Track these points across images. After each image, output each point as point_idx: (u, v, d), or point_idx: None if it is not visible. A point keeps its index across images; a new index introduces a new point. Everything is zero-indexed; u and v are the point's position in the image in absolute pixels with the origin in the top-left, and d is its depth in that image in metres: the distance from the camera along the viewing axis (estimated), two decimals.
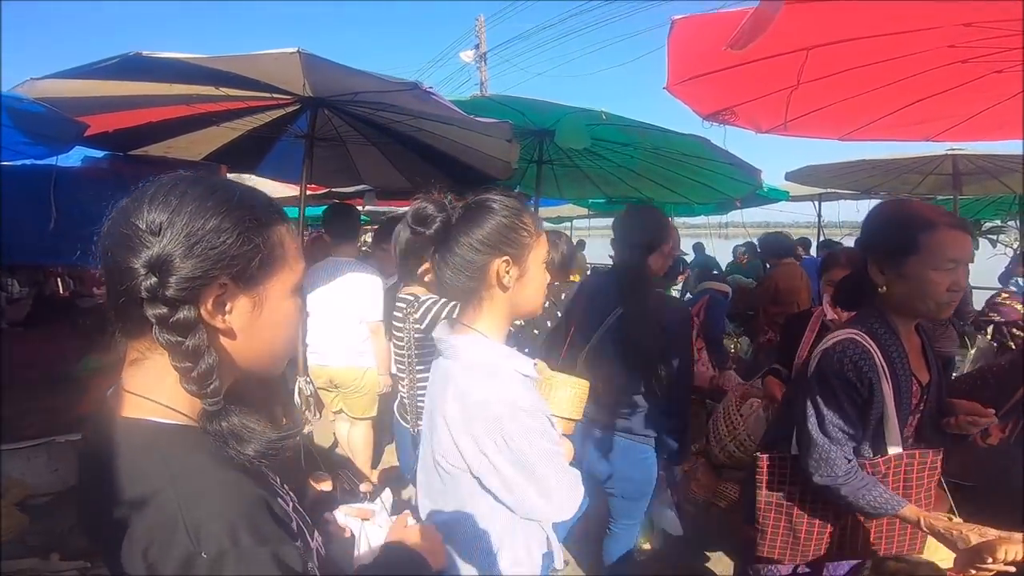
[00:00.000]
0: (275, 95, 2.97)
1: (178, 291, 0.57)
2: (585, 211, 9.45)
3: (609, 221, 11.82)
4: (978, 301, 6.57)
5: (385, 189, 4.91)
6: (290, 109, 3.33)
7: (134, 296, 0.57)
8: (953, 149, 4.80)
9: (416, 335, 2.16)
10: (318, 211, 9.02)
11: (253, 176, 6.22)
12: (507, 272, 1.03)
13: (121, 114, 3.00)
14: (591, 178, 5.13)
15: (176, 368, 0.58)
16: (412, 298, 2.20)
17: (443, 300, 2.10)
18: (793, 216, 8.65)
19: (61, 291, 6.02)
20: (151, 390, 0.61)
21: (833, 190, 6.75)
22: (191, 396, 0.61)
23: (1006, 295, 4.46)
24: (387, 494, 1.03)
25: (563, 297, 2.64)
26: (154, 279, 0.56)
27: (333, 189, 5.21)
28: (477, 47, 16.20)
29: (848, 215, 8.54)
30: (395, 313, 2.29)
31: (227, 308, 0.62)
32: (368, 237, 7.12)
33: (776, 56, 1.97)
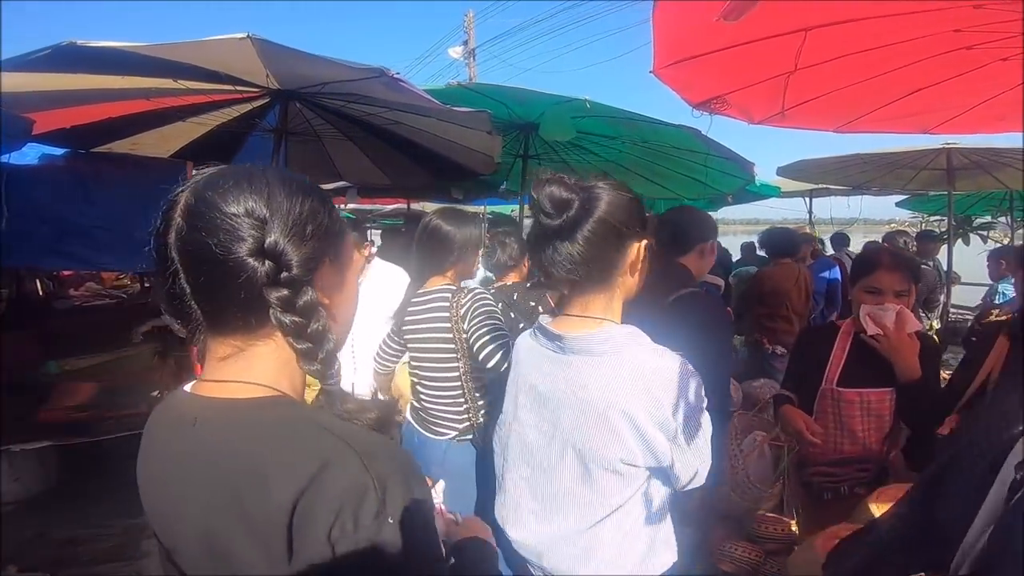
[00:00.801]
0: (240, 88, 2.81)
1: (301, 272, 0.57)
2: None
3: None
4: (966, 296, 6.55)
5: (365, 185, 4.76)
6: (259, 103, 3.17)
7: (246, 284, 0.55)
8: (948, 143, 4.70)
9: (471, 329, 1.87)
10: None
11: None
12: (644, 254, 1.02)
13: (76, 109, 2.84)
14: (578, 173, 4.96)
15: (300, 351, 0.58)
16: (445, 292, 1.89)
17: (477, 291, 1.92)
18: (783, 212, 8.58)
19: (40, 292, 5.83)
20: (253, 378, 0.59)
21: (824, 186, 6.66)
22: (292, 380, 0.61)
23: (996, 313, 4.37)
24: (441, 484, 1.04)
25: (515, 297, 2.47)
26: (271, 264, 0.55)
27: None
28: (466, 43, 16.00)
29: (839, 211, 8.46)
30: (430, 313, 1.95)
31: (326, 286, 0.62)
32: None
33: (773, 37, 1.85)
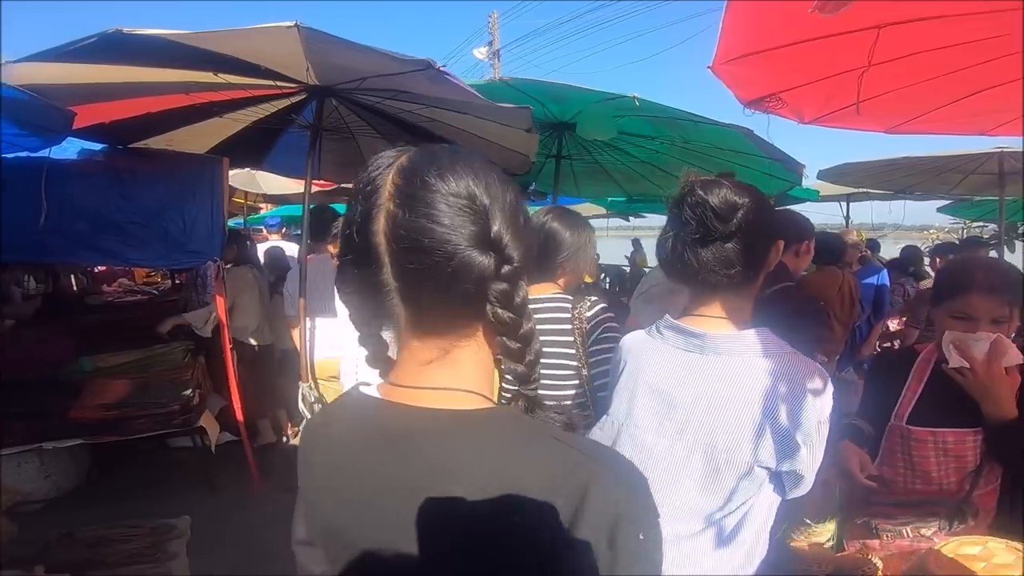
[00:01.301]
0: (278, 83, 2.78)
1: (520, 266, 0.53)
2: (603, 210, 9.14)
3: (628, 222, 11.47)
4: None
5: None
6: (295, 99, 3.14)
7: (468, 277, 0.50)
8: (1000, 147, 4.50)
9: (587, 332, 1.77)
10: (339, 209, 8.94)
11: (259, 172, 6.10)
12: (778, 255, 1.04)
13: (116, 104, 2.83)
14: (612, 175, 4.88)
15: (511, 351, 0.54)
16: (563, 301, 1.76)
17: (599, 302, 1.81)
18: (819, 217, 8.30)
19: (74, 288, 5.92)
20: (461, 383, 0.55)
21: (864, 190, 6.44)
22: (490, 385, 0.58)
23: None
24: None
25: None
26: (495, 255, 0.51)
27: (342, 185, 5.01)
28: (490, 44, 15.99)
29: (880, 216, 8.16)
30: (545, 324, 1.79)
31: None
32: None
33: (847, 33, 1.75)
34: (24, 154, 2.87)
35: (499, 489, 0.48)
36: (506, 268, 0.52)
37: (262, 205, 8.74)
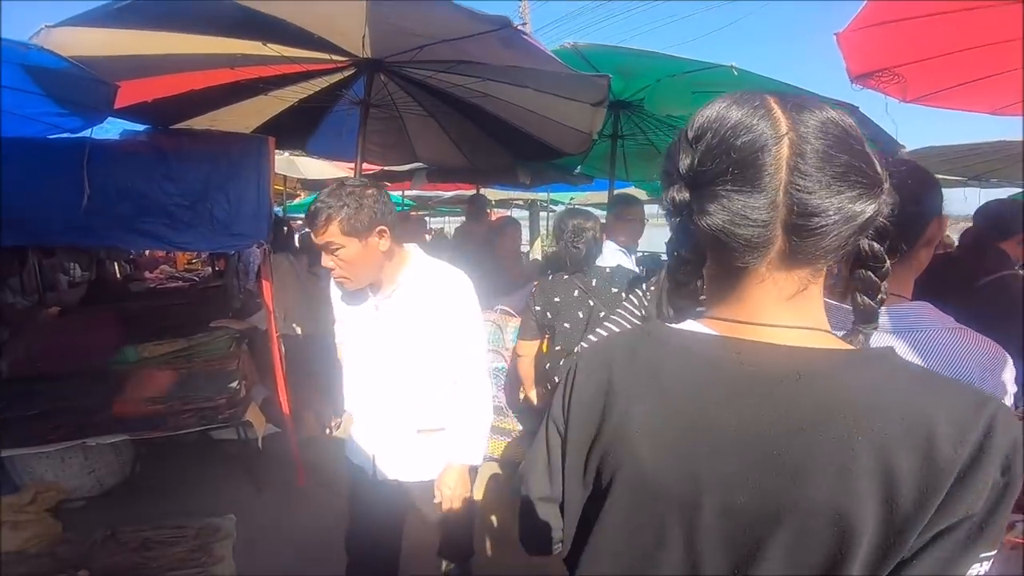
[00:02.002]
0: (330, 55, 2.60)
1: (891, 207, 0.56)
2: (644, 195, 8.76)
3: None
4: None
5: (440, 167, 4.50)
6: (345, 73, 2.96)
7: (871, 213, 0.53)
8: None
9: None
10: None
11: (302, 157, 5.98)
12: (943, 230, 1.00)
13: (159, 80, 2.69)
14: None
15: (869, 285, 0.58)
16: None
17: None
18: None
19: (117, 275, 5.93)
20: (815, 323, 0.56)
21: (940, 176, 5.99)
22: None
23: None
24: None
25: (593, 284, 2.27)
26: (884, 188, 0.54)
27: (386, 168, 4.84)
28: (523, 27, 15.61)
29: (957, 206, 7.60)
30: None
31: None
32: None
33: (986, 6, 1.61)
34: (66, 135, 2.79)
35: (917, 423, 0.49)
36: (889, 201, 0.54)
37: (300, 192, 8.67)
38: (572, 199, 8.66)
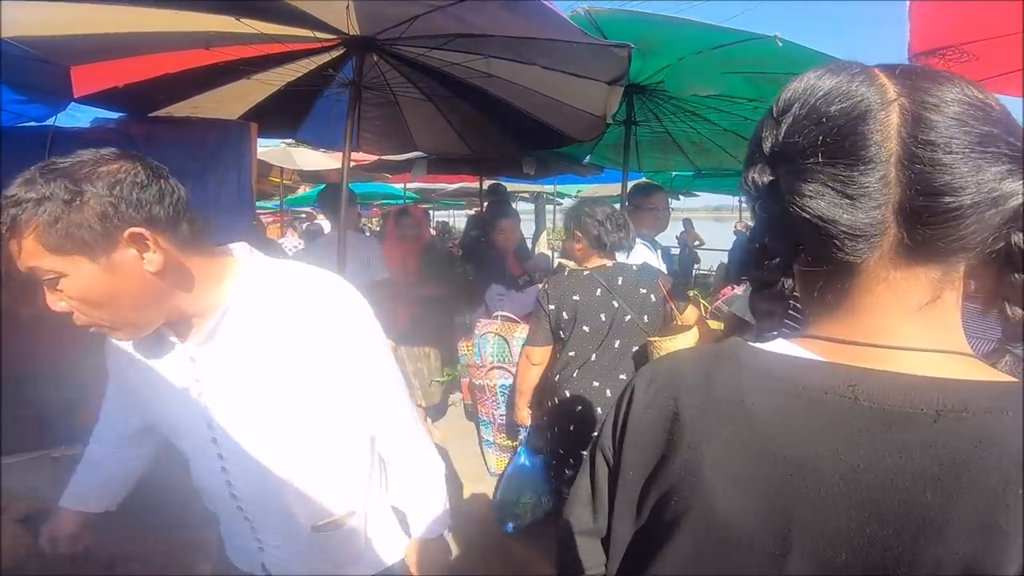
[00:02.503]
0: (312, 32, 2.35)
1: None
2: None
3: (687, 201, 10.61)
4: None
5: (440, 155, 4.25)
6: (333, 54, 2.71)
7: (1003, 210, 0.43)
8: None
9: None
10: (379, 188, 8.53)
11: (298, 148, 5.76)
12: None
13: (128, 62, 2.46)
14: (682, 146, 4.31)
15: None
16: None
17: None
18: None
19: None
20: (955, 345, 0.46)
21: None
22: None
23: None
24: None
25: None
26: None
27: (383, 158, 4.60)
28: None
29: None
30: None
31: None
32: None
33: None
34: (31, 124, 2.59)
35: None
36: None
37: (299, 186, 8.48)
38: (579, 192, 8.39)
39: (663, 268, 2.69)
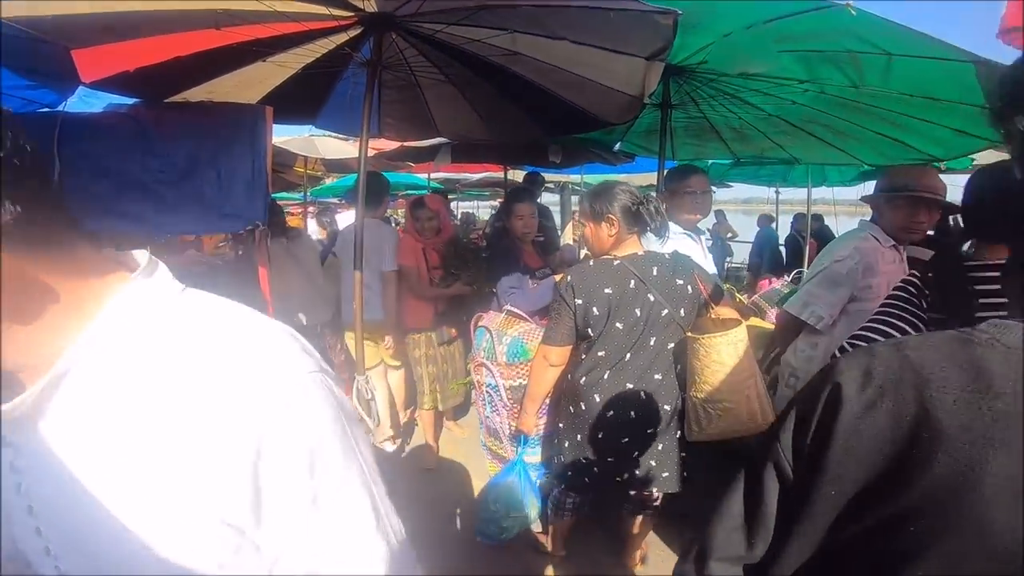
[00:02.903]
0: (328, 8, 2.21)
1: None
2: None
3: (718, 193, 10.18)
4: None
5: (464, 140, 4.07)
6: (351, 33, 2.56)
7: None
8: None
9: None
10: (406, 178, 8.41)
11: (322, 136, 5.67)
12: None
13: (137, 44, 2.35)
14: (720, 132, 4.04)
15: None
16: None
17: None
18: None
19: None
20: None
21: None
22: None
23: None
24: None
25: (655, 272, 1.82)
26: None
27: (406, 144, 4.45)
28: None
29: None
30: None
31: None
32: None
33: None
34: (43, 111, 2.52)
35: None
36: None
37: (325, 176, 8.42)
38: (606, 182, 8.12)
39: (709, 260, 2.46)
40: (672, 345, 1.85)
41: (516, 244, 2.98)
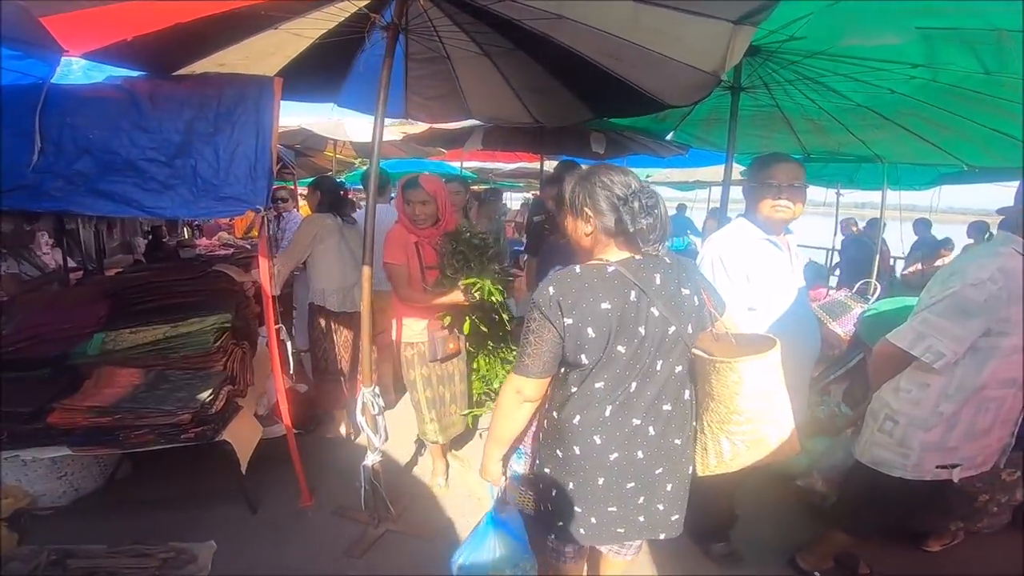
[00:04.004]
0: None
1: None
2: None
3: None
4: None
5: (498, 123, 3.67)
6: None
7: None
8: None
9: None
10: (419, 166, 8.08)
11: (350, 119, 5.38)
12: None
13: (130, 8, 2.05)
14: (792, 122, 3.54)
15: None
16: None
17: None
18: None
19: (177, 242, 5.74)
20: None
21: None
22: None
23: None
24: None
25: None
26: None
27: (436, 126, 4.09)
28: None
29: None
30: None
31: None
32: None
33: None
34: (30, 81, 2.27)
35: None
36: None
37: (356, 160, 8.16)
38: (649, 176, 7.54)
39: (799, 273, 2.02)
40: (680, 368, 1.44)
41: (565, 245, 2.48)
